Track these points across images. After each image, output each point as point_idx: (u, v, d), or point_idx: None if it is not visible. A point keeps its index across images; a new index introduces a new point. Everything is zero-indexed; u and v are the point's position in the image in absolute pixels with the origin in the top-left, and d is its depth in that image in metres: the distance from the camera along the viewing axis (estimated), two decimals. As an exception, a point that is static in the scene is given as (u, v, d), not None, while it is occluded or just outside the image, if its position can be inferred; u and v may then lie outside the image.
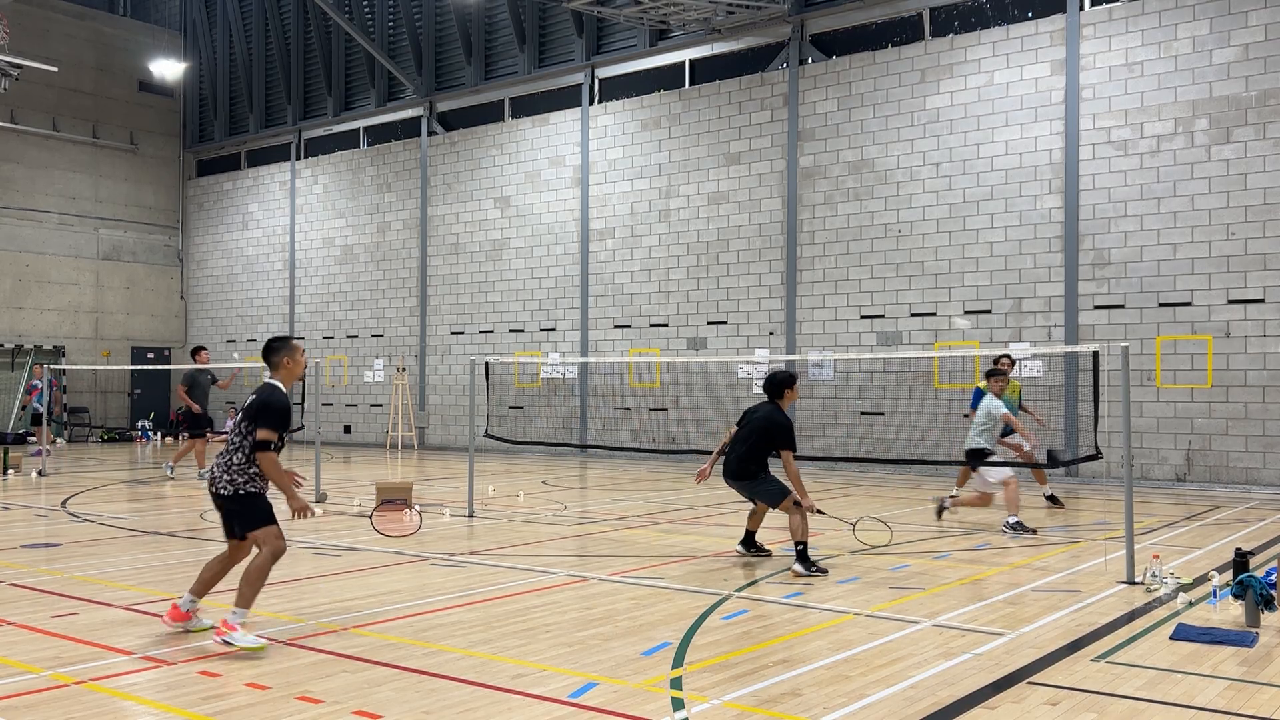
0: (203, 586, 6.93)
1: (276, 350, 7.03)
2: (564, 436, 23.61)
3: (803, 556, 9.09)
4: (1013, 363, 13.85)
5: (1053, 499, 13.93)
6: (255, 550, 6.79)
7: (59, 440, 28.12)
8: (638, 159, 23.01)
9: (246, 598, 6.52)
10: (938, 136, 19.18)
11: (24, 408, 25.26)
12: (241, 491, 6.79)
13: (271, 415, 6.67)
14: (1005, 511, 12.05)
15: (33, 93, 28.61)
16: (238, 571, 6.85)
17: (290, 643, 6.60)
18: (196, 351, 18.37)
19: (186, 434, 18.42)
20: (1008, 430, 13.61)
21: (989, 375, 12.49)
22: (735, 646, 6.54)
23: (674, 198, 22.43)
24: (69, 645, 6.52)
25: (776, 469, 9.58)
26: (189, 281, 32.63)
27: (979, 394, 13.40)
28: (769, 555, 9.90)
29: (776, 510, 9.51)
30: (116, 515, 13.13)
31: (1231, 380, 16.49)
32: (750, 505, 10.02)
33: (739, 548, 10.03)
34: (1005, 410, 12.50)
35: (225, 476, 6.82)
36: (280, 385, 6.93)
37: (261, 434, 6.64)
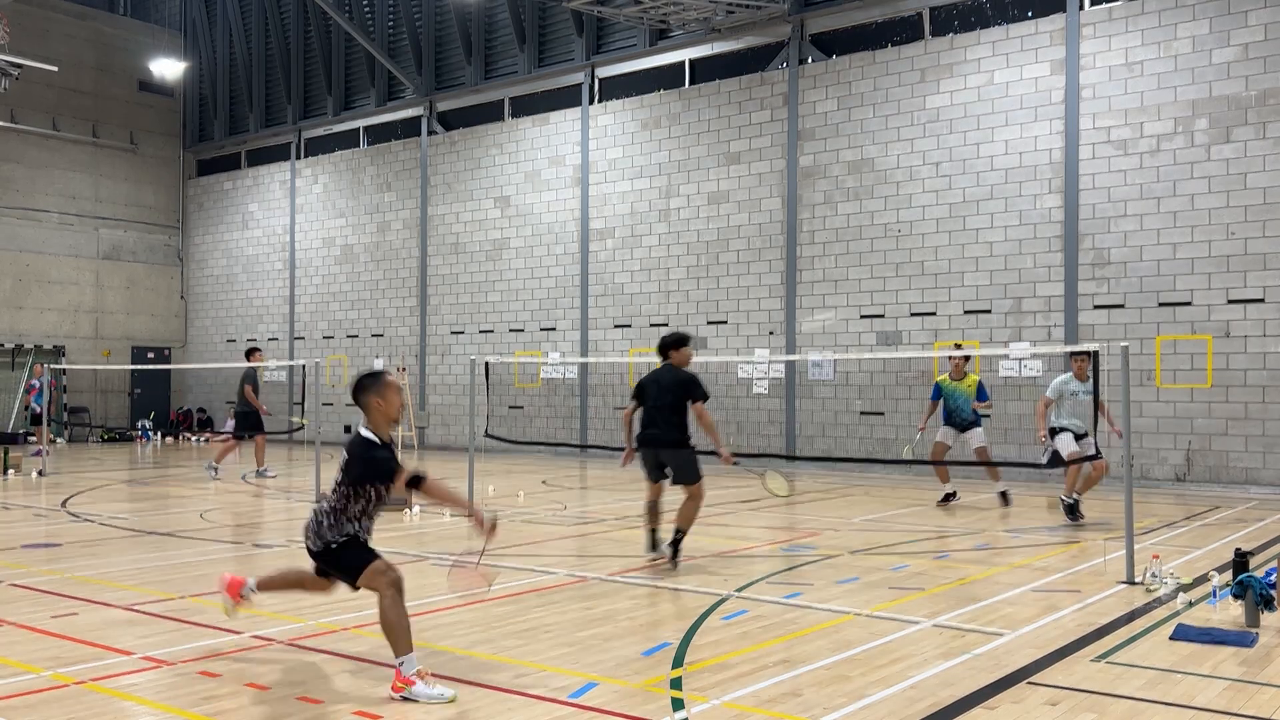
0: (270, 584, 6.39)
1: (365, 389, 5.88)
2: (564, 436, 23.62)
3: (677, 545, 9.26)
4: (966, 358, 14.14)
5: (1004, 496, 13.85)
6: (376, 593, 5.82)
7: (58, 440, 28.13)
8: (638, 159, 23.01)
9: (402, 644, 5.61)
10: (938, 136, 19.18)
11: (25, 407, 25.32)
12: (334, 545, 5.85)
13: (374, 469, 5.76)
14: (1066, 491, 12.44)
15: (33, 93, 28.61)
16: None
17: (290, 643, 6.60)
18: (252, 352, 18.38)
19: (246, 434, 18.42)
20: (965, 424, 13.93)
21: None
22: (735, 646, 6.54)
23: (674, 197, 22.43)
24: (69, 645, 6.52)
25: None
26: (189, 281, 32.64)
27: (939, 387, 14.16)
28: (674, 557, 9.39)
29: (682, 488, 9.44)
30: (116, 515, 13.13)
31: (1231, 380, 16.49)
32: (645, 506, 9.77)
33: (660, 552, 9.50)
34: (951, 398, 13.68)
35: (321, 535, 5.88)
36: (373, 436, 5.85)
37: (395, 487, 5.78)
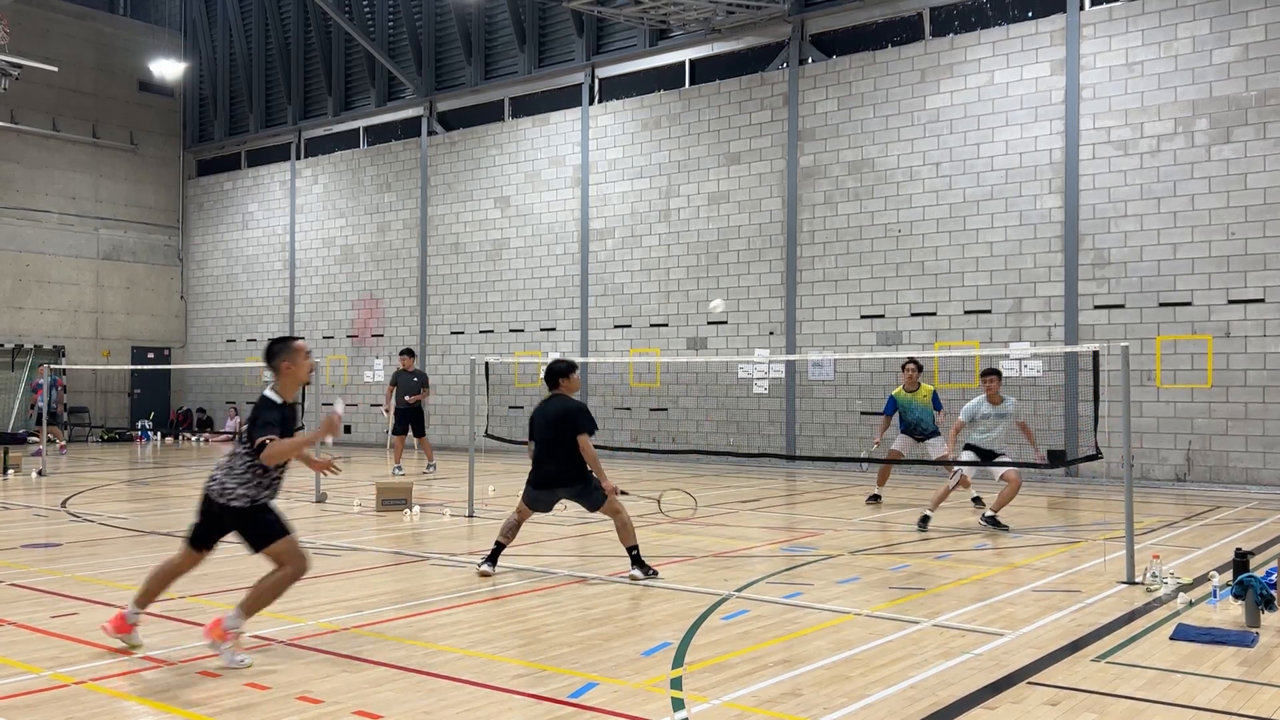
0: (147, 597, 6.40)
1: (276, 354, 6.40)
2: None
3: (638, 561, 8.77)
4: (919, 368, 14.07)
5: (978, 501, 13.69)
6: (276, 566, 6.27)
7: (56, 441, 28.10)
8: (638, 159, 23.01)
9: (253, 612, 6.06)
10: (938, 136, 19.18)
11: (32, 406, 25.51)
12: (239, 505, 6.19)
13: (260, 425, 6.15)
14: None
15: (33, 93, 28.60)
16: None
17: (290, 643, 6.60)
18: (406, 354, 19.59)
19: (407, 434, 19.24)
20: (925, 433, 13.92)
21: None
22: (735, 646, 6.54)
23: (674, 198, 22.43)
24: (69, 645, 6.52)
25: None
26: (189, 281, 32.63)
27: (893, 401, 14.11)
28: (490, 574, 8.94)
29: (600, 513, 8.96)
30: (116, 515, 13.13)
31: (1231, 380, 16.49)
32: (508, 520, 9.03)
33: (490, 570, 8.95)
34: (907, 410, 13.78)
35: (235, 489, 6.19)
36: (274, 397, 6.29)
37: (257, 443, 6.11)
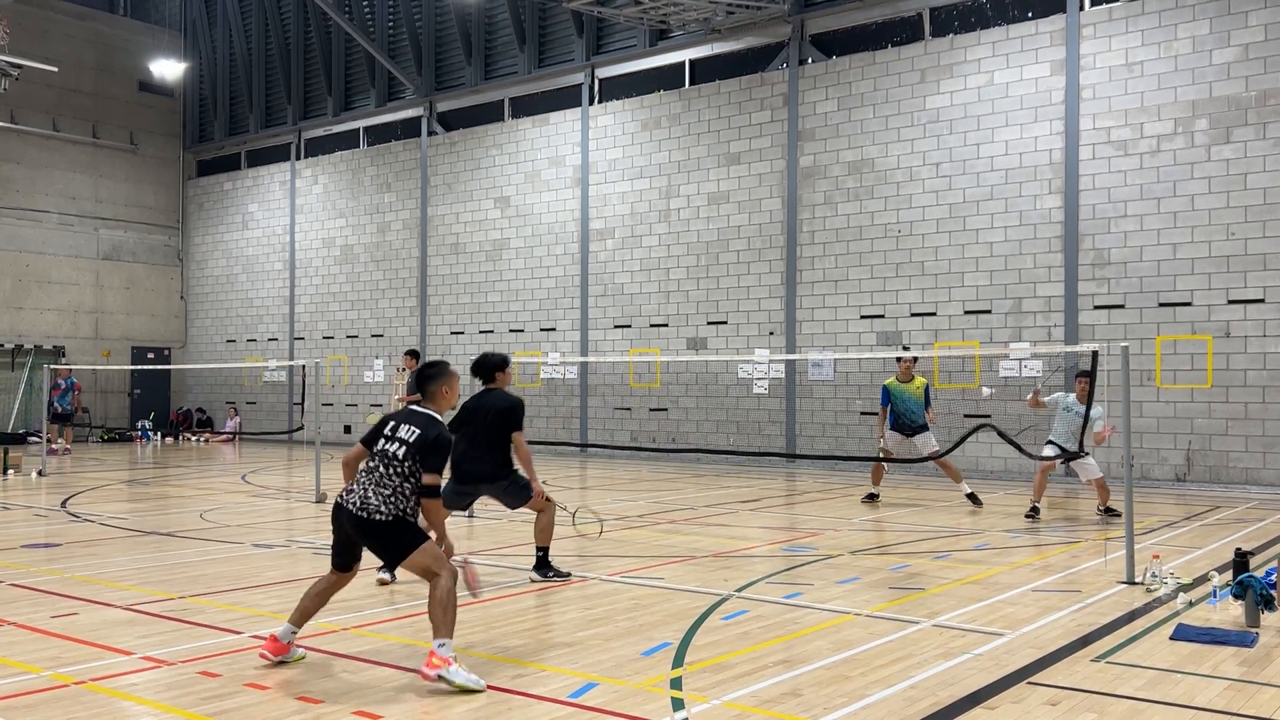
0: (302, 616, 6.21)
1: (433, 378, 6.37)
2: (564, 436, 23.61)
3: (543, 563, 8.65)
4: (914, 359, 14.26)
5: (972, 498, 13.91)
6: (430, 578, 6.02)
7: (59, 442, 28.11)
8: (638, 159, 23.01)
9: (447, 627, 5.79)
10: (938, 136, 19.18)
11: (50, 404, 25.86)
12: (407, 516, 6.03)
13: (439, 455, 6.03)
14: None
15: (33, 93, 28.60)
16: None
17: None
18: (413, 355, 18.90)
19: None
20: (914, 429, 14.02)
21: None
22: (735, 646, 6.54)
23: (674, 198, 22.43)
24: (69, 645, 6.52)
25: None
26: (189, 281, 32.63)
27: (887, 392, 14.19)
28: (567, 577, 8.79)
29: (525, 508, 8.71)
30: (116, 515, 13.13)
31: (1231, 380, 16.49)
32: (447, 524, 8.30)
33: (537, 574, 8.74)
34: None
35: (388, 501, 5.98)
36: (439, 417, 6.24)
37: (429, 479, 5.99)
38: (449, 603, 5.83)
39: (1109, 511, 12.77)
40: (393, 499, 5.98)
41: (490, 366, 8.77)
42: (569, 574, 8.83)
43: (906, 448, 14.37)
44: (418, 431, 6.06)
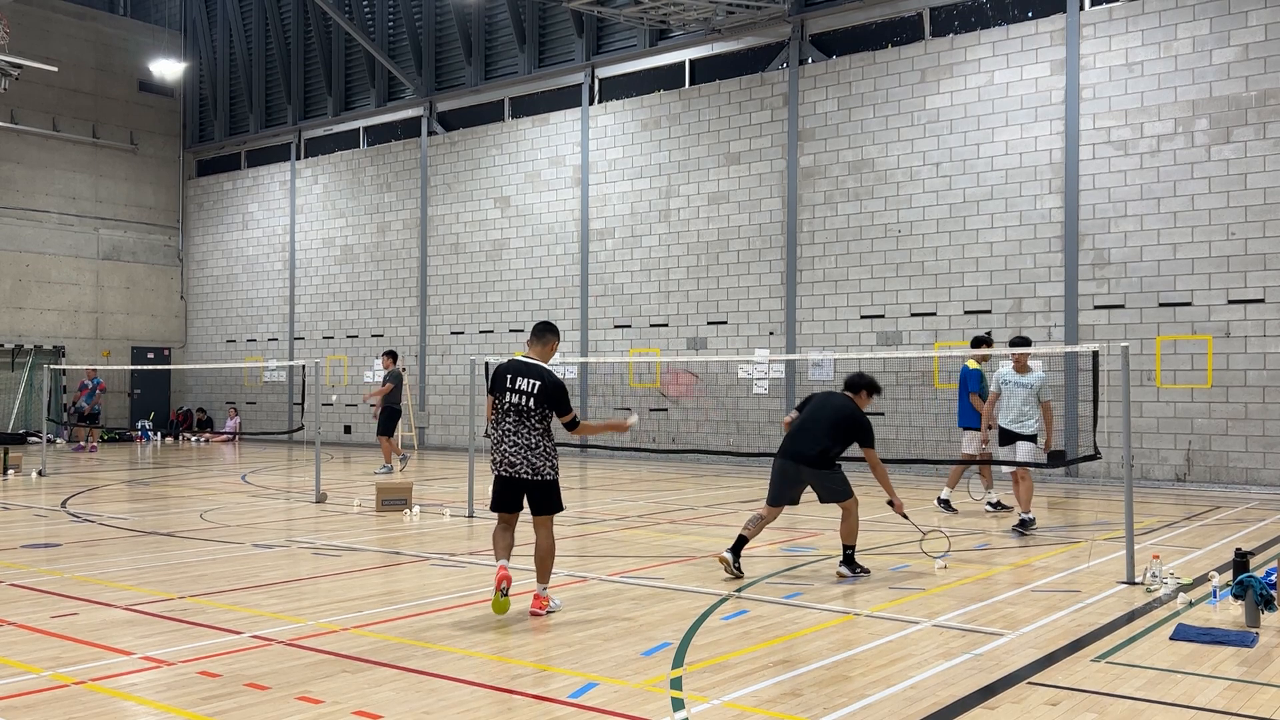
0: (508, 551, 7.61)
1: (551, 331, 7.86)
2: (564, 437, 23.56)
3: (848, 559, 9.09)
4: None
5: (997, 505, 13.35)
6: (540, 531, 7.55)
7: (58, 441, 28.14)
8: (638, 159, 23.01)
9: (549, 572, 7.55)
10: (938, 136, 19.18)
11: (74, 404, 26.46)
12: (550, 477, 7.54)
13: (566, 397, 7.60)
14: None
15: (33, 93, 28.60)
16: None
17: (290, 643, 6.60)
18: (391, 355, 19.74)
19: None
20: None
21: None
22: (735, 646, 6.54)
23: (674, 198, 22.43)
24: (69, 645, 6.52)
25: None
26: (189, 281, 32.63)
27: (973, 374, 13.26)
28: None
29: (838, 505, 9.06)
30: (116, 515, 13.13)
31: (1231, 380, 16.49)
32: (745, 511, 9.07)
33: (732, 558, 8.89)
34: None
35: (537, 466, 7.48)
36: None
37: (566, 418, 7.53)
38: (553, 552, 7.57)
39: (1009, 510, 12.11)
40: (548, 454, 7.59)
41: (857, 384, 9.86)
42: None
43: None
44: (539, 383, 7.55)
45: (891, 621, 7.23)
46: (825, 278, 20.31)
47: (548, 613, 7.35)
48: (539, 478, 7.45)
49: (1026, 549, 10.62)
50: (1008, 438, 11.82)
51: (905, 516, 9.41)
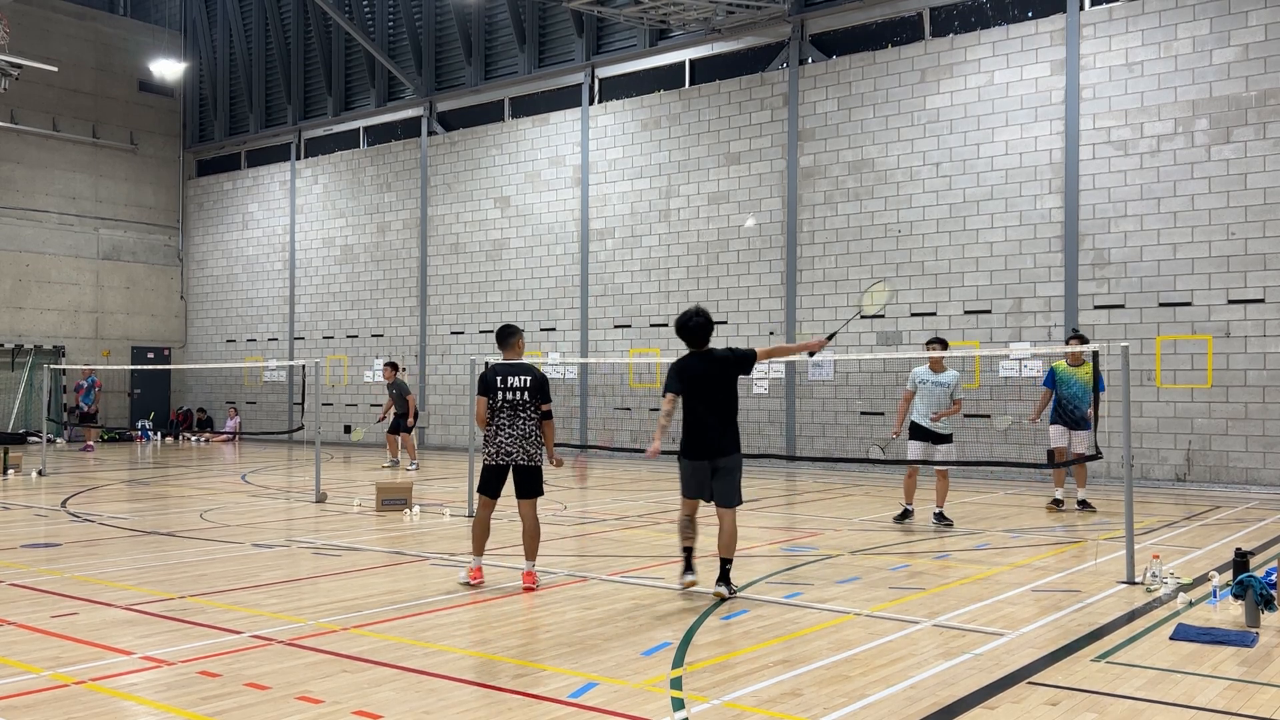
0: (485, 543, 8.53)
1: (516, 332, 8.73)
2: (564, 436, 23.61)
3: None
4: (1083, 339, 13.33)
5: (1084, 504, 13.36)
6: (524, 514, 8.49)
7: (58, 441, 28.14)
8: (638, 159, 23.01)
9: (537, 551, 8.55)
10: (938, 136, 19.18)
11: (75, 407, 26.66)
12: (538, 464, 8.45)
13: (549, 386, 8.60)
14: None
15: (33, 93, 28.60)
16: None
17: (290, 643, 6.60)
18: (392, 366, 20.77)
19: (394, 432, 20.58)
20: (1076, 418, 13.12)
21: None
22: (735, 646, 6.54)
23: (674, 198, 22.43)
24: (69, 645, 6.52)
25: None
26: (189, 281, 32.63)
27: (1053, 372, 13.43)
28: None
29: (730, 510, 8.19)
30: (116, 515, 13.13)
31: (1231, 380, 16.49)
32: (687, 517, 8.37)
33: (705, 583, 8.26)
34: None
35: (528, 449, 8.39)
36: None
37: (547, 406, 8.50)
38: (538, 533, 8.53)
39: (940, 518, 12.10)
40: (539, 443, 8.54)
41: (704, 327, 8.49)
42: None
43: (1066, 441, 13.28)
44: (533, 379, 8.47)
45: (891, 621, 7.23)
46: (825, 278, 20.30)
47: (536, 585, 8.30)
48: (532, 464, 8.36)
49: (1026, 549, 10.61)
50: (924, 435, 12.10)
51: (832, 335, 9.29)
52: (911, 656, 6.30)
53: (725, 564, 8.11)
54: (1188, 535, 11.59)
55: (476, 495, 8.52)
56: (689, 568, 8.32)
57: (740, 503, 8.35)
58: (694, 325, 8.33)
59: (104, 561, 9.76)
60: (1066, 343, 13.67)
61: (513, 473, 8.37)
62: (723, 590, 7.98)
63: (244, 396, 30.78)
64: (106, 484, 17.41)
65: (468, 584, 8.37)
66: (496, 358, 8.93)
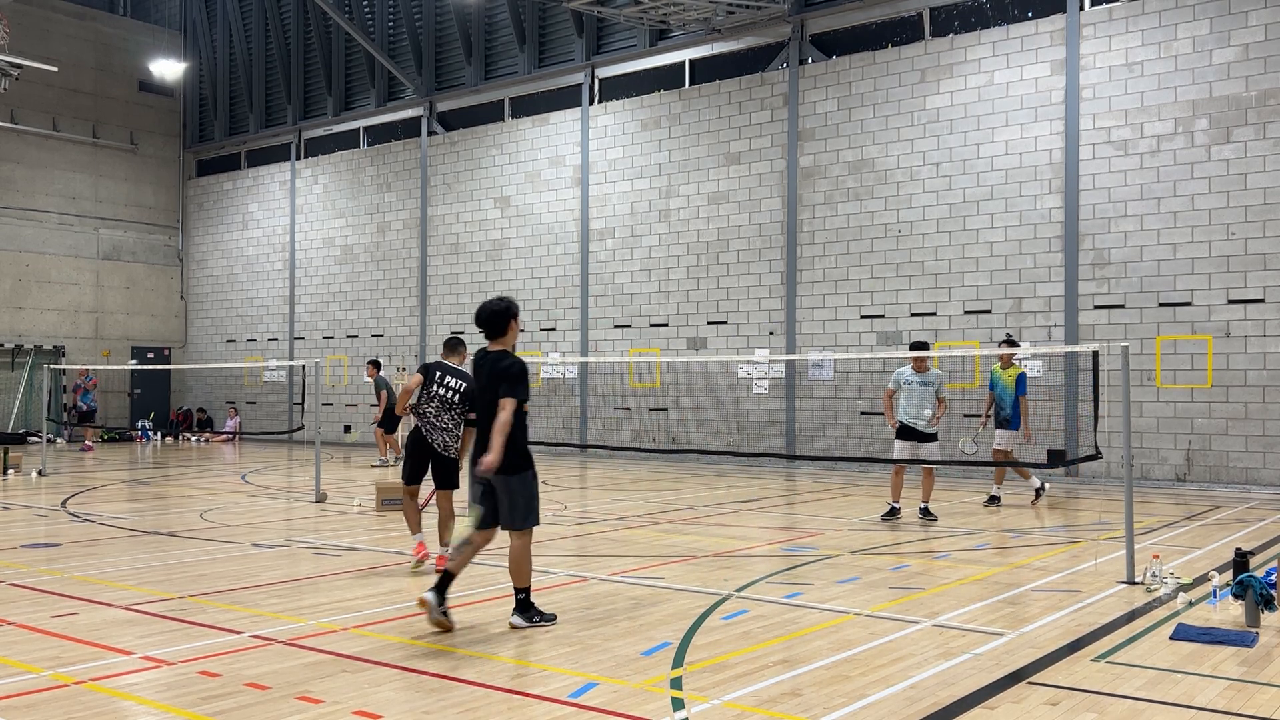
0: (417, 523, 9.44)
1: (463, 343, 9.21)
2: (564, 436, 23.61)
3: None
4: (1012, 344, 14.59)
5: (1038, 492, 14.32)
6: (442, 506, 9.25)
7: (58, 440, 28.15)
8: (638, 159, 23.01)
9: (449, 535, 9.06)
10: (938, 136, 19.18)
11: (74, 406, 26.73)
12: (454, 454, 9.14)
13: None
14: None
15: (33, 93, 28.60)
16: None
17: (290, 643, 6.60)
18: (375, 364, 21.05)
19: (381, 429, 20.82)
20: (999, 420, 14.26)
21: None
22: (735, 646, 6.54)
23: (674, 198, 22.43)
24: (69, 645, 6.52)
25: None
26: (189, 281, 32.63)
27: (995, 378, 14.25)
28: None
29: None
30: (116, 515, 13.13)
31: (1231, 380, 16.48)
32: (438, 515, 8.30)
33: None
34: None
35: (447, 441, 9.07)
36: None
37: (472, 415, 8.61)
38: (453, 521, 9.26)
39: (926, 513, 12.49)
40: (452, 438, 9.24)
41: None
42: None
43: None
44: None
45: (891, 621, 7.23)
46: (825, 278, 20.30)
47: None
48: (449, 455, 9.10)
49: (1026, 549, 10.62)
50: (910, 434, 12.45)
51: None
52: (911, 656, 6.30)
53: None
54: (1188, 535, 11.59)
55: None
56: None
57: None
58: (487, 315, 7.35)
59: (104, 561, 9.76)
60: (999, 346, 14.64)
61: (432, 463, 9.09)
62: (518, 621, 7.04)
63: (244, 396, 30.79)
64: (106, 484, 17.41)
65: (419, 563, 9.25)
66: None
